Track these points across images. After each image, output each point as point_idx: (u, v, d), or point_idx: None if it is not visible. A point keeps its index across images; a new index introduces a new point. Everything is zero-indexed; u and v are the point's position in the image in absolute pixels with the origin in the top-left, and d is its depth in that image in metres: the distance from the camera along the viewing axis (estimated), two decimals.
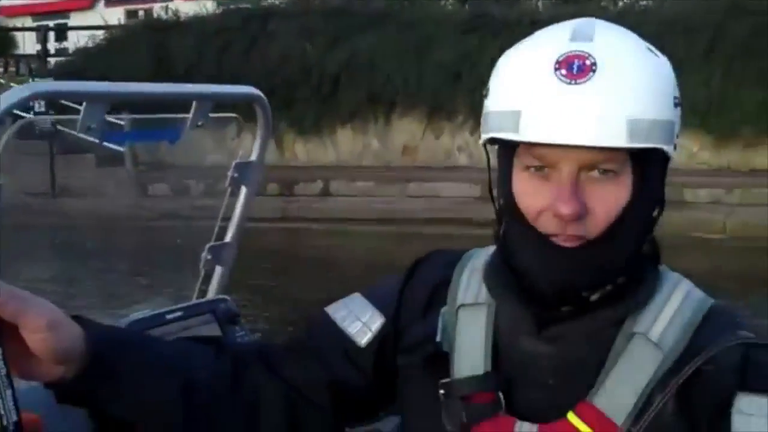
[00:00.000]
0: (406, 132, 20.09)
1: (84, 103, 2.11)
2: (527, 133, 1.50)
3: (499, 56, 1.63)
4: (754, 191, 15.47)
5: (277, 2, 22.88)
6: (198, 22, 22.91)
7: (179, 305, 2.68)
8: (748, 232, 14.01)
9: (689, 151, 16.78)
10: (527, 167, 1.54)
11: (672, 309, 1.59)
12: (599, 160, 1.50)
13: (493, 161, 1.66)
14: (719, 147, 17.21)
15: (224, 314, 2.74)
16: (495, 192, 1.66)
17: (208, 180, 17.16)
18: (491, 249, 1.73)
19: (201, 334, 2.46)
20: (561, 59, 1.50)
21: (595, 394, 1.55)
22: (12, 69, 27.95)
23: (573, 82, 1.48)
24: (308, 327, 1.86)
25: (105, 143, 2.63)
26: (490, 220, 1.68)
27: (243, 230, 2.89)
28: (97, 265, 13.57)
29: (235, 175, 2.79)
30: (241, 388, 1.75)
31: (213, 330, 2.68)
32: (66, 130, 17.76)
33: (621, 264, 1.57)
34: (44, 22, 29.99)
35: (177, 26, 23.12)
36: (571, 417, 1.54)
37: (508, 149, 1.58)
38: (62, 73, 22.17)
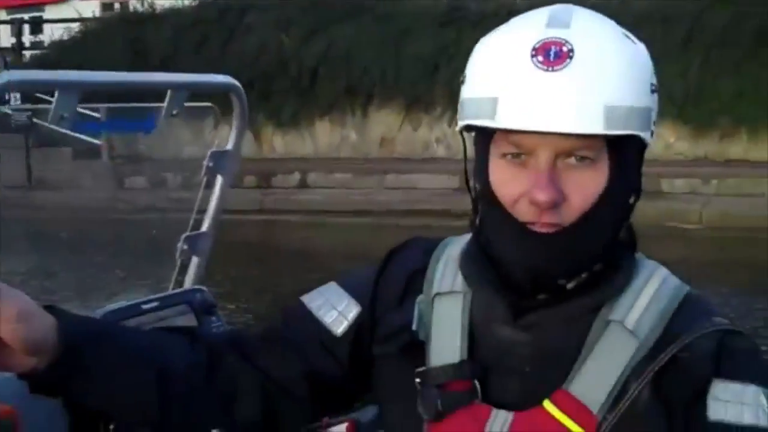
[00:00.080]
0: (384, 124, 20.06)
1: (56, 92, 2.10)
2: (504, 120, 1.49)
3: (470, 57, 1.62)
4: (731, 181, 15.50)
5: None
6: (174, 14, 22.80)
7: (155, 296, 2.67)
8: (725, 222, 14.05)
9: (666, 142, 16.79)
10: (504, 154, 1.54)
11: (648, 296, 1.59)
12: (576, 147, 1.49)
13: (470, 149, 1.65)
14: (696, 137, 17.21)
15: (200, 304, 2.73)
16: (471, 180, 1.65)
17: (186, 172, 17.08)
18: (467, 237, 1.73)
19: (176, 325, 2.46)
20: (538, 46, 1.50)
21: (571, 382, 1.55)
22: None
23: (550, 68, 1.48)
24: (284, 316, 1.85)
25: (81, 135, 2.62)
26: (468, 212, 1.67)
27: (219, 220, 2.88)
28: (74, 258, 13.51)
29: (211, 164, 2.78)
30: (217, 378, 1.75)
31: (189, 320, 2.67)
32: (42, 123, 17.68)
33: (597, 251, 1.57)
34: (19, 15, 29.78)
35: (153, 18, 23.00)
36: (547, 405, 1.55)
37: (484, 136, 1.57)
38: (38, 66, 22.03)
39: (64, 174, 18.84)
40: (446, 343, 1.66)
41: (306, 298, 1.83)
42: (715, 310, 1.61)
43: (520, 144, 1.51)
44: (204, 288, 2.80)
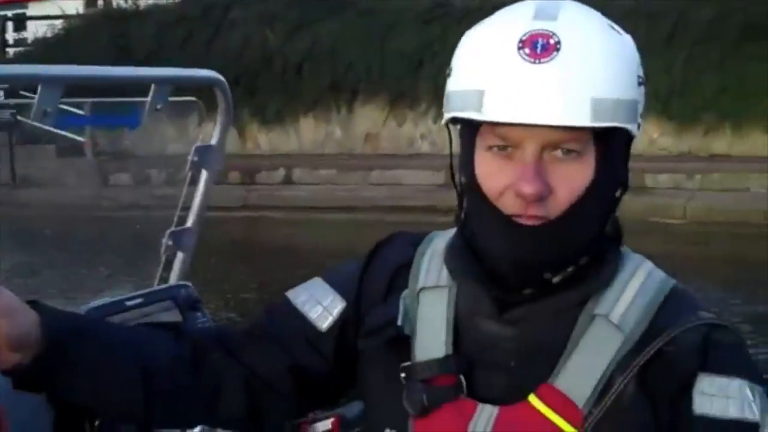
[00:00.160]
0: (369, 120, 20.05)
1: (40, 87, 2.09)
2: (490, 112, 1.49)
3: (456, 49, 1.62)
4: (715, 176, 15.53)
5: None
6: (158, 10, 22.77)
7: (139, 292, 2.66)
8: (709, 217, 14.08)
9: (650, 137, 16.80)
10: (490, 147, 1.53)
11: (633, 290, 1.59)
12: (563, 139, 1.49)
13: (456, 142, 1.65)
14: (680, 133, 17.24)
15: (185, 300, 2.72)
16: (457, 173, 1.64)
17: (170, 169, 17.06)
18: (452, 232, 1.72)
19: (161, 321, 2.45)
20: (524, 38, 1.49)
21: (556, 377, 1.55)
22: None
23: (537, 61, 1.47)
24: (269, 312, 1.84)
25: (65, 132, 2.62)
26: (454, 208, 1.67)
27: (204, 215, 2.87)
28: (58, 255, 13.49)
29: (196, 158, 2.77)
30: (201, 374, 1.74)
31: (174, 316, 2.67)
32: (26, 120, 17.63)
33: (584, 244, 1.57)
34: (2, 12, 29.67)
35: (137, 15, 22.96)
36: (533, 399, 1.54)
37: (470, 129, 1.56)
38: (22, 63, 21.98)
39: (48, 171, 18.80)
40: (431, 337, 1.66)
41: (291, 294, 1.83)
42: (700, 304, 1.61)
43: (507, 136, 1.50)
44: (189, 284, 2.80)
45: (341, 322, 1.77)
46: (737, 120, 16.62)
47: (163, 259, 2.85)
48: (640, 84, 1.55)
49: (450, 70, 1.59)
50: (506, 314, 1.59)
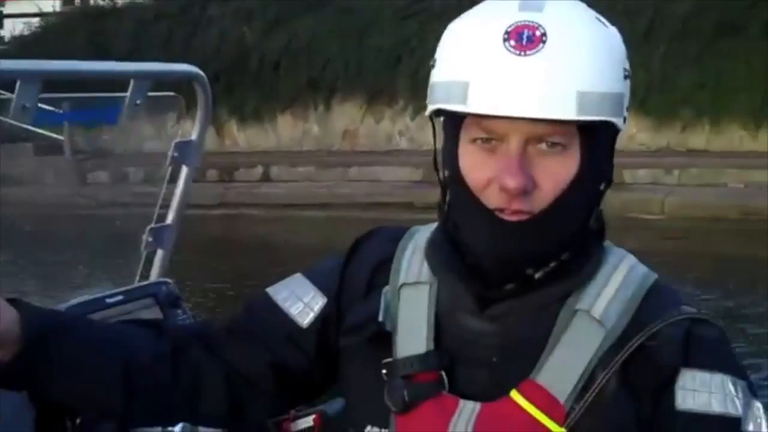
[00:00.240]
0: (347, 117, 20.04)
1: (18, 82, 2.08)
2: (475, 104, 1.48)
3: (440, 41, 1.60)
4: (693, 171, 15.60)
5: None
6: (136, 8, 22.73)
7: (120, 289, 2.65)
8: (687, 212, 14.13)
9: (628, 133, 16.80)
10: (474, 139, 1.52)
11: (615, 285, 1.58)
12: (548, 132, 1.48)
13: (439, 134, 1.64)
14: (658, 128, 17.28)
15: (166, 297, 2.72)
16: (440, 166, 1.63)
17: (148, 167, 17.03)
18: (434, 226, 1.71)
19: (142, 318, 2.44)
20: (510, 29, 1.48)
21: (538, 372, 1.54)
22: None
23: (522, 53, 1.46)
24: (249, 308, 1.83)
25: (42, 131, 2.61)
26: (432, 204, 1.67)
27: (183, 212, 2.86)
28: (37, 254, 13.44)
29: (175, 154, 2.77)
30: (181, 371, 1.73)
31: (154, 313, 2.66)
32: (3, 119, 17.53)
33: (567, 239, 1.56)
34: None
35: (114, 13, 22.92)
36: (515, 395, 1.54)
37: (455, 121, 1.55)
38: None
39: (25, 170, 18.72)
40: (413, 334, 1.65)
41: (272, 290, 1.82)
42: (682, 298, 1.61)
43: (491, 129, 1.49)
44: (169, 281, 2.79)
45: (322, 318, 1.76)
46: (715, 115, 16.69)
47: (144, 255, 2.85)
48: (626, 77, 1.55)
49: (434, 61, 1.58)
50: (488, 310, 1.59)
